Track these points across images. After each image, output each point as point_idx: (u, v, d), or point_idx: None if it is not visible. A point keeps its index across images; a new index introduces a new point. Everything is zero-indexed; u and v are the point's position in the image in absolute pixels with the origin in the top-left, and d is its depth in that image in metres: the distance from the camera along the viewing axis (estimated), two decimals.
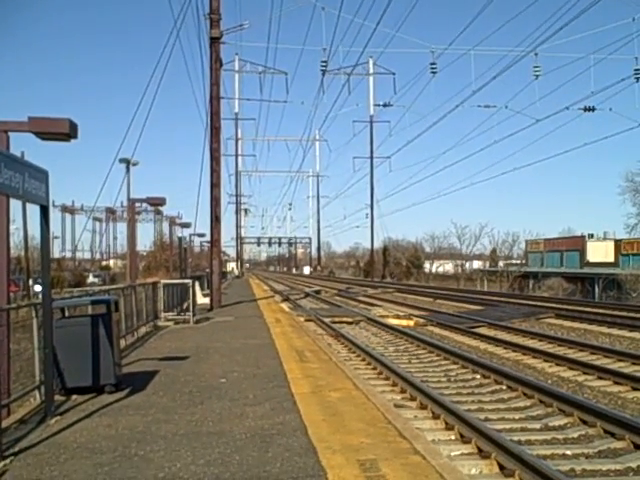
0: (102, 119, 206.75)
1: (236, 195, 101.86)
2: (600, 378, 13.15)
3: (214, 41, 28.47)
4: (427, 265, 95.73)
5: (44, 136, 9.66)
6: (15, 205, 9.53)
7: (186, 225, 40.18)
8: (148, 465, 6.51)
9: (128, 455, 6.86)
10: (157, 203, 28.51)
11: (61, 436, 7.68)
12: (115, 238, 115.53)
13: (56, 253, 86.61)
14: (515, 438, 8.75)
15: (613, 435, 8.81)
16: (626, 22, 42.04)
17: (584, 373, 13.73)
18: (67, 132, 9.48)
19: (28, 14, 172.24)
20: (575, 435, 9.08)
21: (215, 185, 28.50)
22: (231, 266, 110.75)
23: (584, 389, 12.55)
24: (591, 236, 73.85)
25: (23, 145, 10.14)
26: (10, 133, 9.33)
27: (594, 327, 22.39)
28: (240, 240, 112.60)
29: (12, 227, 10.70)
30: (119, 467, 6.46)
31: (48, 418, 8.42)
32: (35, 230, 9.30)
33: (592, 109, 47.92)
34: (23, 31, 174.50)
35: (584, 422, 9.51)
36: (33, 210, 8.75)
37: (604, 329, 21.72)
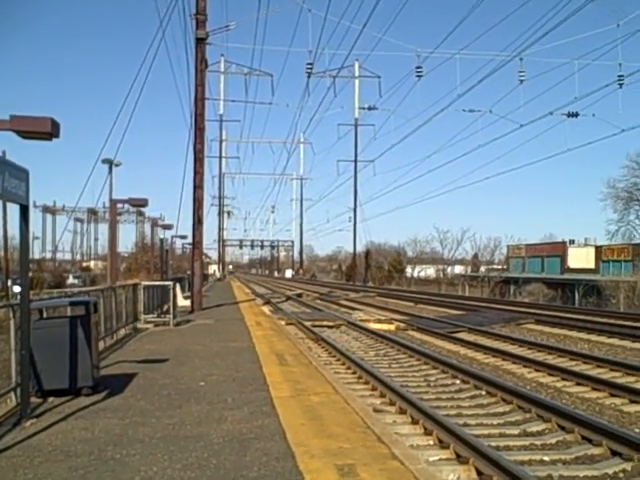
0: (86, 119, 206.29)
1: (219, 197, 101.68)
2: (579, 384, 13.20)
3: (200, 42, 28.40)
4: (409, 269, 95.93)
5: (26, 135, 9.55)
6: None
7: (168, 227, 40.04)
8: (124, 469, 6.45)
9: (104, 458, 6.79)
10: (139, 204, 28.35)
11: (36, 439, 7.60)
12: (96, 239, 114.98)
13: (36, 254, 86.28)
14: (493, 444, 8.76)
15: (590, 441, 8.85)
16: (610, 28, 42.45)
17: (563, 379, 13.78)
18: (49, 131, 9.39)
19: (11, 13, 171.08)
20: (553, 441, 9.11)
21: (198, 187, 28.40)
22: (213, 268, 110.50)
23: (563, 395, 12.59)
24: (572, 242, 74.34)
25: (4, 143, 10.04)
26: None
27: (574, 333, 22.51)
28: (222, 242, 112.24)
29: None
30: (94, 470, 6.40)
31: (23, 420, 8.33)
32: (15, 230, 9.20)
33: (576, 115, 48.25)
34: (5, 31, 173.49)
35: (562, 428, 9.54)
36: (13, 210, 8.66)
37: (583, 335, 21.84)
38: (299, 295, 49.13)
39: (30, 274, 9.64)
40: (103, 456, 6.88)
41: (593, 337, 21.25)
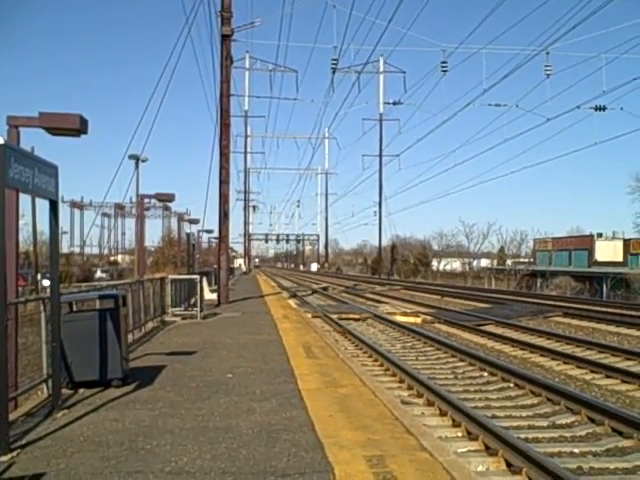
0: (113, 115, 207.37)
1: (245, 192, 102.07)
2: (608, 377, 13.11)
3: (225, 38, 28.50)
4: (435, 263, 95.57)
5: (54, 131, 9.69)
6: (24, 200, 9.55)
7: (194, 221, 40.38)
8: (155, 459, 6.51)
9: (135, 449, 6.86)
10: (166, 199, 28.60)
11: (68, 429, 7.69)
12: (123, 234, 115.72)
13: (65, 248, 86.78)
14: (522, 436, 8.73)
15: (621, 434, 8.79)
16: (638, 22, 42.03)
17: (592, 371, 13.69)
18: (77, 127, 9.51)
19: (41, 8, 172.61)
20: (583, 433, 9.06)
21: (224, 182, 28.50)
22: (239, 262, 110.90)
23: (592, 387, 12.51)
24: (600, 235, 73.76)
25: (33, 140, 10.15)
26: (21, 128, 9.35)
27: (602, 326, 22.31)
28: (248, 237, 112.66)
29: (21, 222, 10.73)
30: (125, 461, 6.46)
31: (55, 411, 8.43)
32: (44, 225, 9.30)
33: (603, 108, 47.79)
34: (35, 26, 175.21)
35: (592, 420, 9.48)
36: (42, 205, 8.75)
37: (612, 328, 21.65)
38: (325, 288, 49.15)
39: (59, 268, 9.73)
40: (134, 447, 6.95)
41: (622, 330, 21.06)
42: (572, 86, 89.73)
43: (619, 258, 66.78)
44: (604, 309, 27.82)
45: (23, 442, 7.11)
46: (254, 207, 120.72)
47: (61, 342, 8.91)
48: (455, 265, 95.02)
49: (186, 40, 28.15)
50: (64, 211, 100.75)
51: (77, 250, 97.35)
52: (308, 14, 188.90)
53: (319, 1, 45.20)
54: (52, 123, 9.50)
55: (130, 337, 14.63)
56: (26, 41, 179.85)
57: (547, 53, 46.70)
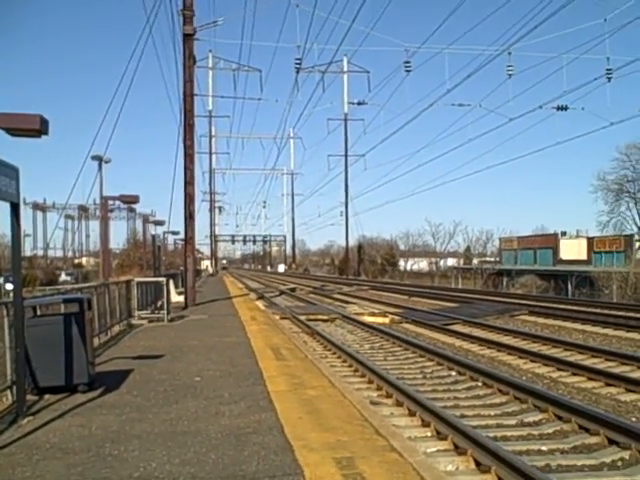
0: (76, 117, 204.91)
1: (210, 193, 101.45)
2: (574, 374, 13.23)
3: (187, 37, 28.35)
4: (402, 263, 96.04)
5: (14, 132, 9.49)
6: None
7: (160, 223, 40.02)
8: (122, 465, 6.42)
9: (102, 455, 6.76)
10: (130, 201, 28.34)
11: (33, 436, 7.56)
12: (88, 236, 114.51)
13: (27, 251, 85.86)
14: (491, 434, 8.77)
15: (587, 430, 8.85)
16: (598, 22, 42.40)
17: (559, 369, 13.80)
18: (38, 128, 9.32)
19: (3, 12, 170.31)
20: (550, 431, 9.12)
21: (189, 183, 28.35)
22: (205, 264, 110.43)
23: (559, 385, 12.62)
24: (564, 234, 74.56)
25: None
26: None
27: (568, 324, 22.54)
28: (214, 238, 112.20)
29: None
30: (92, 467, 6.36)
31: (20, 418, 8.29)
32: (5, 228, 9.16)
33: (565, 108, 48.27)
34: None
35: (559, 418, 9.55)
36: (3, 208, 8.60)
37: (578, 325, 21.88)
38: (292, 289, 49.09)
39: (22, 272, 9.58)
40: (101, 453, 6.85)
41: (587, 327, 21.29)
42: (534, 86, 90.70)
43: (583, 256, 67.55)
44: (569, 307, 28.13)
45: None
46: (220, 208, 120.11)
47: (25, 347, 8.76)
48: (422, 265, 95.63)
49: (147, 39, 28.04)
50: (26, 213, 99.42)
51: (40, 253, 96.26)
52: (271, 13, 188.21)
53: (282, 0, 45.13)
54: (11, 123, 9.31)
55: (96, 341, 14.43)
56: None
57: (509, 53, 47.03)
